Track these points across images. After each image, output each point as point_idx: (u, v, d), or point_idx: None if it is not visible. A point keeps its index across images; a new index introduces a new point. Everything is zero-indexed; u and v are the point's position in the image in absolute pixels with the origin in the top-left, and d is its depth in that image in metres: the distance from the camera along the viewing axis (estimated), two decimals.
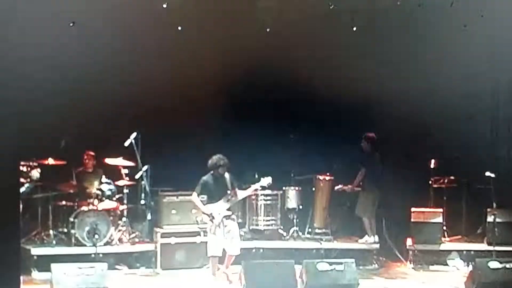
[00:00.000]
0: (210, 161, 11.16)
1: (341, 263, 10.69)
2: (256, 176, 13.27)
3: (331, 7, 13.02)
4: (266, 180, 11.36)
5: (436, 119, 13.82)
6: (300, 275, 10.60)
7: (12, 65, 7.50)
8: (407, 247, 12.85)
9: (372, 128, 13.48)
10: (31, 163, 11.93)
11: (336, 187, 13.18)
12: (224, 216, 11.00)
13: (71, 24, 12.53)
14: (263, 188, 12.02)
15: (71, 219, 12.07)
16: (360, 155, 13.06)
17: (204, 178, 11.12)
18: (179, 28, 13.18)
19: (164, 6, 12.65)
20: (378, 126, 13.58)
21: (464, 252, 12.87)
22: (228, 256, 11.19)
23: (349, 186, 13.06)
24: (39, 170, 11.97)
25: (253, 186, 11.41)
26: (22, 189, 11.68)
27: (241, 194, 11.35)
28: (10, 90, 7.46)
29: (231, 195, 11.15)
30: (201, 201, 11.16)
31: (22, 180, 11.68)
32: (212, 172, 11.13)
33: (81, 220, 12.00)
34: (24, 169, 11.74)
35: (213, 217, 10.92)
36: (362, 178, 12.92)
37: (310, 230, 13.34)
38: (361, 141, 13.05)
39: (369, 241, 12.86)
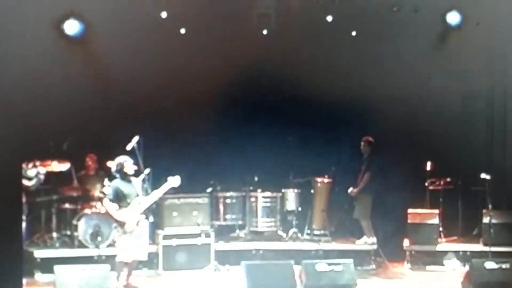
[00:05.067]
0: (115, 163, 10.69)
1: (339, 264, 10.82)
2: (256, 178, 13.48)
3: (328, 14, 13.24)
4: (175, 180, 10.80)
5: (432, 121, 13.94)
6: (299, 276, 10.73)
7: (14, 68, 7.60)
8: (404, 248, 12.97)
9: (369, 130, 13.63)
10: (35, 163, 12.04)
11: (350, 191, 13.18)
12: (137, 221, 10.53)
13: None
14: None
15: (74, 222, 12.20)
16: (364, 159, 13.15)
17: (116, 182, 10.61)
18: (181, 32, 13.35)
19: (164, 16, 12.83)
20: (375, 129, 13.71)
21: (461, 252, 12.97)
22: (132, 262, 10.66)
23: (355, 189, 13.12)
24: (44, 168, 12.07)
25: (162, 188, 10.75)
26: (31, 183, 11.77)
27: (152, 197, 10.68)
28: (13, 93, 7.56)
29: (142, 199, 10.63)
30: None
31: (29, 175, 11.77)
32: (119, 175, 10.65)
33: (84, 223, 12.12)
34: (31, 165, 11.81)
35: (126, 224, 10.45)
36: (367, 182, 13.03)
37: (309, 231, 13.45)
38: (360, 144, 13.17)
39: (369, 242, 13.02)
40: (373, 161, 13.06)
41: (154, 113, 13.38)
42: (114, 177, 10.80)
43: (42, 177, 11.95)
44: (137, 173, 12.47)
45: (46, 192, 12.34)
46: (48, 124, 12.59)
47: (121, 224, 10.51)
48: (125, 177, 10.67)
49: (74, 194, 12.61)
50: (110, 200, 10.58)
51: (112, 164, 10.77)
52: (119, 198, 10.57)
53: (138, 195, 10.62)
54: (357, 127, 13.90)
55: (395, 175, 13.23)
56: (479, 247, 12.91)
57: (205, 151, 13.54)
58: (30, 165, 11.82)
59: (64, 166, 12.42)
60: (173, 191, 12.11)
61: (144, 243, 10.71)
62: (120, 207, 10.53)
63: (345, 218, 13.76)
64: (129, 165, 10.70)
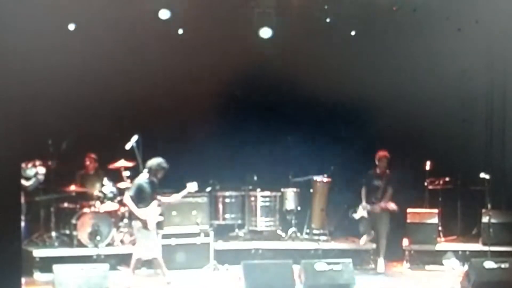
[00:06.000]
0: (151, 163, 10.90)
1: (338, 263, 10.83)
2: (255, 178, 13.49)
3: (327, 14, 13.24)
4: (193, 186, 11.16)
5: (432, 121, 13.93)
6: (298, 275, 10.74)
7: (14, 67, 7.56)
8: (403, 247, 12.98)
9: (368, 129, 13.67)
10: (35, 162, 12.02)
11: (371, 208, 12.64)
12: (156, 221, 10.87)
13: (72, 28, 12.71)
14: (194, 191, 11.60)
15: (73, 221, 12.21)
16: (380, 174, 12.70)
17: (140, 180, 10.88)
18: (179, 32, 13.35)
19: (164, 18, 12.84)
20: (375, 128, 13.75)
21: (460, 252, 12.99)
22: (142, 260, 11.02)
23: (380, 204, 12.64)
24: (43, 168, 12.05)
25: (182, 192, 11.16)
26: (29, 183, 11.75)
27: (171, 199, 11.13)
28: (13, 92, 7.51)
29: (161, 200, 10.98)
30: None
31: (28, 175, 11.75)
32: (149, 175, 10.89)
33: (83, 222, 12.12)
34: (30, 165, 11.80)
35: (148, 223, 10.68)
36: (391, 198, 12.68)
37: (308, 231, 13.46)
38: (377, 162, 12.67)
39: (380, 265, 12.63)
40: (393, 177, 12.72)
41: (154, 113, 13.39)
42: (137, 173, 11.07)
43: (40, 177, 11.93)
44: (136, 172, 12.53)
45: (45, 191, 12.34)
46: (47, 123, 12.61)
47: (143, 223, 10.68)
48: (153, 177, 10.82)
49: (73, 193, 12.59)
50: (131, 197, 10.75)
51: (151, 161, 10.91)
52: (140, 196, 10.74)
53: (157, 196, 10.84)
54: (357, 126, 13.92)
55: (394, 174, 13.22)
56: (478, 246, 12.92)
57: (204, 151, 13.53)
58: (30, 164, 11.81)
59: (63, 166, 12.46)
60: (172, 190, 12.17)
61: (157, 242, 11.01)
62: (137, 205, 10.71)
63: (344, 217, 13.76)
64: (164, 171, 10.87)
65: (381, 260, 12.62)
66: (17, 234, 7.98)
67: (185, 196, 12.35)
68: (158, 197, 10.93)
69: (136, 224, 10.81)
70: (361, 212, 12.68)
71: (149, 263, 11.47)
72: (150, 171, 10.87)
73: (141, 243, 10.86)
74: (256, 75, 13.74)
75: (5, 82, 7.49)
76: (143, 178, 10.89)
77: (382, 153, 12.71)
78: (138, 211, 10.71)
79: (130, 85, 13.13)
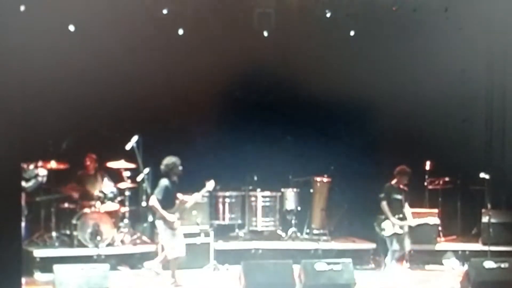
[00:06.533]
0: (164, 166, 10.95)
1: (338, 263, 10.81)
2: (255, 178, 13.50)
3: (327, 13, 13.25)
4: (211, 184, 11.28)
5: (431, 121, 13.96)
6: (298, 275, 10.73)
7: (14, 67, 7.55)
8: None
9: (368, 129, 13.67)
10: (37, 164, 12.02)
11: (395, 223, 11.94)
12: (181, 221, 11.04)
13: (72, 29, 12.72)
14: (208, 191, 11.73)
15: (74, 221, 12.19)
16: (401, 189, 12.12)
17: (165, 183, 10.92)
18: (180, 32, 13.36)
19: (165, 12, 12.85)
20: (374, 128, 13.75)
21: (460, 252, 13.01)
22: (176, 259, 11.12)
23: (428, 220, 12.52)
24: (45, 170, 12.04)
25: (202, 191, 11.24)
26: (28, 184, 11.74)
27: (192, 198, 11.22)
28: (13, 92, 7.50)
29: (181, 201, 11.10)
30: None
31: (28, 176, 11.75)
32: (167, 176, 10.98)
33: (83, 222, 12.12)
34: (32, 166, 11.79)
35: (175, 224, 10.87)
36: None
37: (308, 231, 13.48)
38: (399, 176, 12.10)
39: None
40: (408, 192, 12.34)
41: (154, 113, 13.39)
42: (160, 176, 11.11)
43: (40, 179, 11.89)
44: (136, 173, 12.55)
45: (45, 191, 12.32)
46: (48, 123, 12.61)
47: (169, 224, 10.81)
48: (172, 177, 10.91)
49: (74, 193, 12.60)
50: (158, 200, 10.82)
51: (163, 164, 11.00)
52: (165, 198, 10.83)
53: (178, 197, 10.99)
54: (357, 126, 13.92)
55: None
56: (478, 246, 12.94)
57: (205, 151, 13.55)
58: (32, 166, 11.80)
59: (64, 166, 12.44)
60: None
61: (183, 241, 11.11)
62: (163, 207, 10.81)
63: (344, 217, 13.77)
64: (180, 167, 10.97)
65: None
66: (17, 234, 7.97)
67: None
68: (180, 196, 11.02)
69: (161, 225, 10.91)
70: (392, 228, 11.96)
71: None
72: (168, 172, 10.96)
73: (168, 242, 10.99)
74: (256, 75, 13.74)
75: (5, 82, 7.48)
76: (165, 180, 10.96)
77: (405, 168, 12.14)
78: (167, 214, 10.83)
79: (130, 85, 13.12)
